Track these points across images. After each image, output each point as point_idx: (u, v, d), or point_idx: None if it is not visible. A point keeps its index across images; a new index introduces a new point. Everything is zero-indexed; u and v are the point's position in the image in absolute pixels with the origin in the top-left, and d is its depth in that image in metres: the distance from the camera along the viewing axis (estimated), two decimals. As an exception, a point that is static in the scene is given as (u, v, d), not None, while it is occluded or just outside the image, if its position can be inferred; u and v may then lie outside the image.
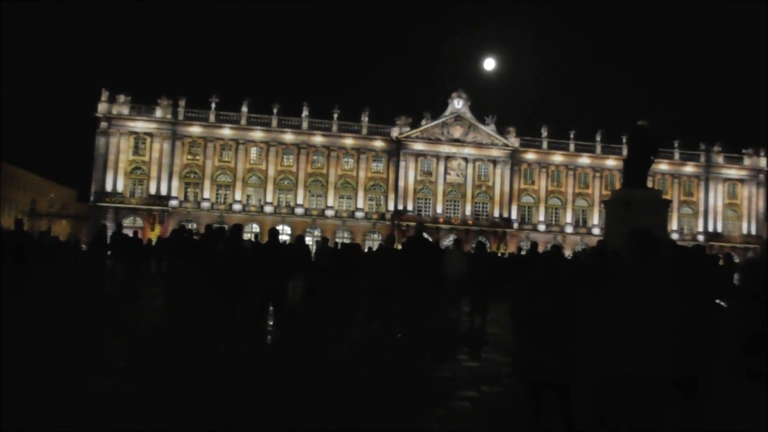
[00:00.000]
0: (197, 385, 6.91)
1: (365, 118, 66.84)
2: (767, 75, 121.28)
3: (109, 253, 20.11)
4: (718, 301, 4.81)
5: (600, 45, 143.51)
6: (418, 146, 66.99)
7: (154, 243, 28.32)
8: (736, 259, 22.66)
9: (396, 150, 66.60)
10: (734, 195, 71.79)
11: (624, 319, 3.65)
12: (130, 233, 22.33)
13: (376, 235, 63.22)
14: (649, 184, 21.05)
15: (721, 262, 13.55)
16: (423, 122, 67.49)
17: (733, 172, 71.93)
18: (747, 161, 72.19)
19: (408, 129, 67.00)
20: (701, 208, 71.08)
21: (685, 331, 3.83)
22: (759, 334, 3.56)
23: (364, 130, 66.76)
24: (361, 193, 66.29)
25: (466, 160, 67.53)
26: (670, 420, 4.30)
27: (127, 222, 57.73)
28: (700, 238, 67.78)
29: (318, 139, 65.91)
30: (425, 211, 66.39)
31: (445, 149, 67.17)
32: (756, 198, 71.56)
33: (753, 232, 69.54)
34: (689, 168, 71.40)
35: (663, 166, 68.52)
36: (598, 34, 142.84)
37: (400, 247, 14.24)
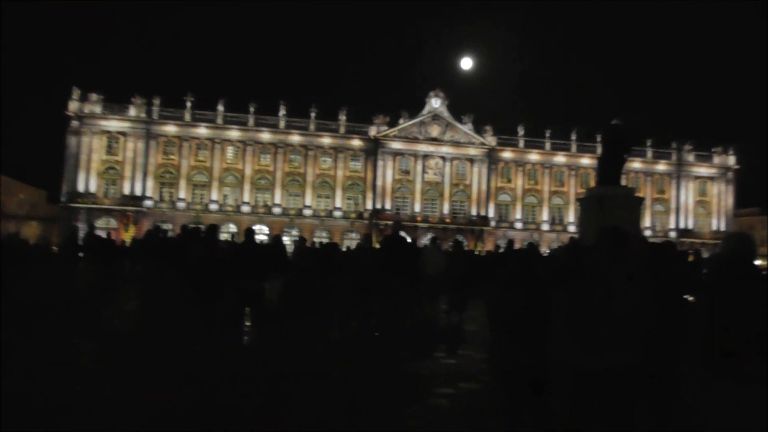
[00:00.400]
0: (173, 388, 6.85)
1: (343, 117, 66.73)
2: (736, 75, 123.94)
3: (81, 254, 19.78)
4: (686, 296, 4.92)
5: (575, 45, 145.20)
6: (396, 145, 67.08)
7: (128, 244, 27.92)
8: (705, 255, 23.12)
9: (374, 149, 66.61)
10: (704, 192, 73.32)
11: (596, 314, 3.71)
12: (104, 234, 21.99)
13: (354, 235, 63.18)
14: (623, 182, 21.37)
15: (691, 258, 13.83)
16: (401, 121, 67.59)
17: (703, 171, 73.45)
18: (716, 160, 73.79)
19: (386, 128, 67.05)
20: (673, 206, 72.45)
21: (656, 325, 3.91)
22: (724, 328, 3.65)
23: (342, 129, 66.65)
24: (339, 193, 66.18)
25: (443, 158, 67.82)
26: (642, 413, 4.39)
27: (100, 223, 56.76)
28: (672, 234, 69.05)
29: (295, 138, 65.62)
30: (403, 209, 66.51)
31: (423, 148, 67.39)
32: (725, 195, 73.17)
33: (722, 228, 71.01)
34: (661, 166, 72.71)
35: (636, 164, 69.69)
36: (574, 35, 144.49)
37: (378, 246, 14.26)
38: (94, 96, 61.91)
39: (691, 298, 4.86)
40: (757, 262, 4.27)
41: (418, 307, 13.31)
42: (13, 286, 15.91)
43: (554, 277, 4.63)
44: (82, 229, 26.56)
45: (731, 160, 73.72)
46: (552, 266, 7.51)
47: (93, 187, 61.46)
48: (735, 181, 73.68)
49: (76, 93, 61.61)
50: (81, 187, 61.03)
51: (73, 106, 61.47)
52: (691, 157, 73.21)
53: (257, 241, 11.04)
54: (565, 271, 5.96)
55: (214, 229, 10.39)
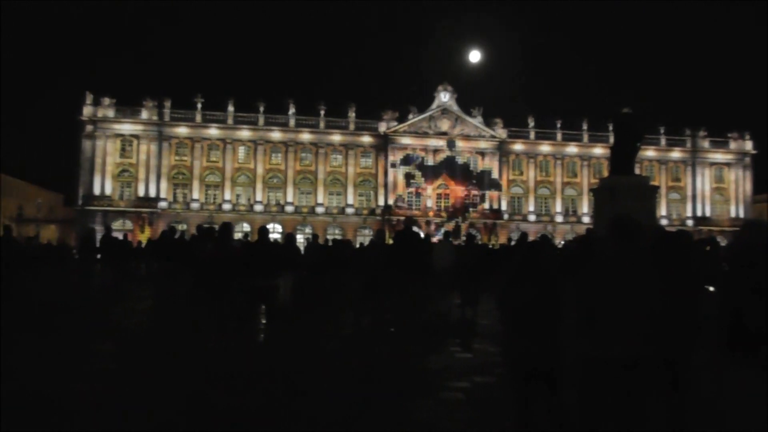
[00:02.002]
0: (189, 386, 6.91)
1: (352, 114, 66.73)
2: (748, 57, 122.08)
3: (98, 256, 20.02)
4: (706, 286, 4.86)
5: (583, 33, 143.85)
6: (406, 140, 66.93)
7: (144, 245, 28.21)
8: (723, 243, 22.84)
9: (384, 145, 66.54)
10: (721, 179, 72.36)
11: (606, 304, 3.68)
12: (120, 236, 22.21)
13: (367, 231, 63.19)
14: (637, 171, 21.19)
15: (707, 248, 13.65)
16: (410, 116, 67.43)
17: (719, 157, 72.46)
18: (732, 145, 72.75)
19: (395, 123, 66.91)
20: (689, 193, 71.61)
21: (666, 315, 3.88)
22: (742, 316, 3.61)
23: (352, 126, 66.65)
24: (350, 189, 66.24)
25: (454, 152, 67.55)
26: (655, 403, 4.35)
27: (116, 225, 57.20)
28: (689, 223, 68.28)
29: (305, 136, 65.73)
30: (416, 204, 66.43)
31: (433, 142, 67.17)
32: (743, 181, 72.17)
33: (741, 215, 70.04)
34: (676, 153, 71.89)
35: (650, 152, 68.97)
36: (581, 23, 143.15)
37: (390, 241, 14.26)
38: (106, 100, 62.47)
39: (711, 289, 4.81)
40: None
41: (432, 302, 13.31)
42: (33, 287, 16.12)
43: (564, 269, 4.60)
44: (98, 231, 26.85)
45: (748, 145, 72.61)
46: (562, 258, 7.45)
47: (108, 190, 62.05)
48: (752, 166, 72.62)
49: (89, 98, 62.22)
50: (97, 190, 61.64)
51: (86, 110, 62.05)
52: (706, 144, 72.28)
53: (270, 240, 11.10)
54: (575, 262, 5.91)
55: (227, 228, 10.39)
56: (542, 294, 4.26)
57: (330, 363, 8.48)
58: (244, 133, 64.83)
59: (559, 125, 70.08)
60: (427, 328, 11.49)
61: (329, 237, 47.93)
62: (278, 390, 6.90)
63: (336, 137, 66.21)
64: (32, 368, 7.67)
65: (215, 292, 9.33)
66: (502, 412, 6.02)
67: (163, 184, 63.34)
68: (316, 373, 7.80)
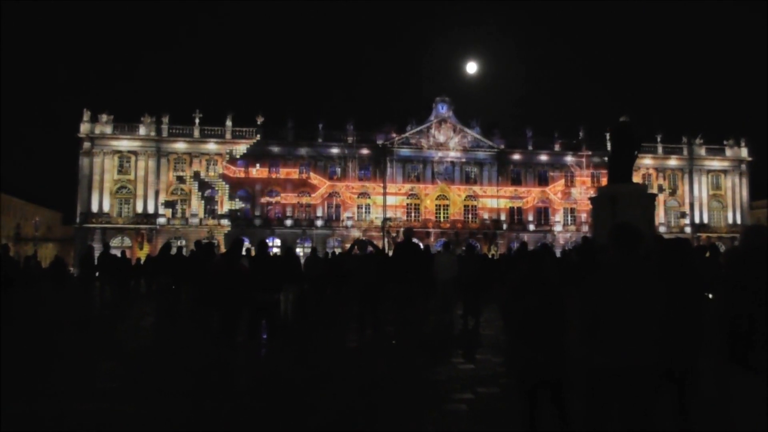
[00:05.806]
0: (193, 402, 6.87)
1: (350, 128, 66.84)
2: (743, 65, 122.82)
3: (97, 274, 19.99)
4: (706, 293, 4.86)
5: (578, 43, 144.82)
6: (404, 152, 67.08)
7: (143, 262, 28.17)
8: (722, 249, 22.84)
9: (382, 157, 66.62)
10: (718, 186, 72.52)
11: (610, 313, 3.68)
12: (118, 253, 22.16)
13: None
14: (635, 179, 21.21)
15: (707, 254, 13.67)
16: (408, 128, 67.57)
17: (715, 164, 72.67)
18: (729, 152, 72.98)
19: (393, 136, 67.06)
20: (687, 201, 71.70)
21: (671, 322, 3.87)
22: (742, 320, 3.60)
23: (350, 139, 66.73)
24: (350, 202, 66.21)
25: (453, 163, 67.69)
26: (661, 410, 4.34)
27: (114, 242, 57.13)
28: (687, 230, 68.34)
29: (303, 150, 65.79)
30: (414, 216, 66.43)
31: (431, 154, 67.31)
32: (739, 188, 72.31)
33: (738, 221, 70.16)
34: (673, 161, 72.05)
35: (647, 160, 69.16)
36: (576, 33, 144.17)
37: (389, 253, 14.23)
38: (104, 117, 62.46)
39: (710, 296, 4.80)
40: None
41: (434, 313, 13.29)
42: (31, 307, 16.06)
43: (567, 277, 4.60)
44: (97, 249, 26.79)
45: (744, 152, 72.87)
46: (564, 266, 7.46)
47: (106, 207, 61.93)
48: (749, 173, 72.84)
49: (86, 114, 62.18)
50: (95, 208, 61.52)
51: (84, 127, 62.00)
52: (702, 151, 72.50)
53: (270, 254, 11.06)
54: (578, 271, 5.91)
55: (239, 243, 10.19)
56: (546, 303, 4.26)
57: (334, 376, 8.44)
58: (242, 148, 64.85)
59: (556, 135, 70.27)
60: (430, 340, 11.45)
61: (328, 250, 47.84)
62: (284, 404, 6.85)
63: (334, 150, 66.27)
64: (33, 388, 7.62)
65: (223, 307, 9.24)
66: (506, 422, 5.99)
67: (162, 200, 63.25)
68: (321, 386, 7.76)
